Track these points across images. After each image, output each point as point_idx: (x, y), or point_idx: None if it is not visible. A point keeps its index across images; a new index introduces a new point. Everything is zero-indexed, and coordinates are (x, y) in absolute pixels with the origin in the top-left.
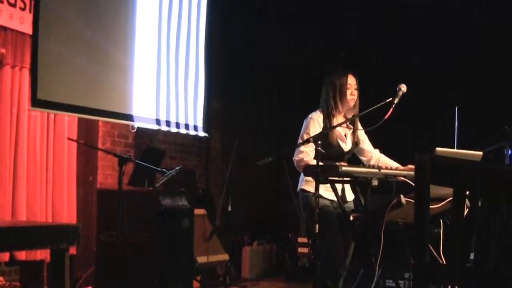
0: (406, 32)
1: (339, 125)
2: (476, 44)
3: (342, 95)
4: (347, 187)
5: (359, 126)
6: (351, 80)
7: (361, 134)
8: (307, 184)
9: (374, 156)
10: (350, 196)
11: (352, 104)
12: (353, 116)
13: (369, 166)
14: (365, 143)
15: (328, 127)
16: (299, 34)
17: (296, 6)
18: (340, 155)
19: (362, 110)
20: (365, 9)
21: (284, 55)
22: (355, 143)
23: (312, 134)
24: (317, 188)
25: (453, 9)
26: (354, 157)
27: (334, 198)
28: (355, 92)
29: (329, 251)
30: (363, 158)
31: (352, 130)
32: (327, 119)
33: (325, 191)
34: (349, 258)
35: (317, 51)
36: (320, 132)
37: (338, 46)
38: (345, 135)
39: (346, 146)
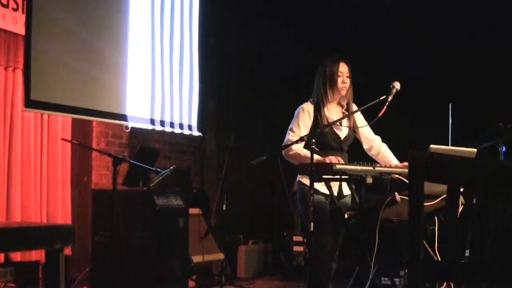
0: (400, 29)
1: (334, 123)
2: (470, 41)
3: (333, 82)
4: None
5: (359, 119)
6: (343, 68)
7: (360, 120)
8: (305, 176)
9: (376, 146)
10: (347, 190)
11: (343, 92)
12: (347, 103)
13: (363, 164)
14: (366, 129)
15: (319, 118)
16: (295, 32)
17: (293, 4)
18: (337, 143)
19: (356, 107)
20: (361, 6)
21: (280, 53)
22: (352, 129)
23: (301, 125)
24: (311, 186)
25: (447, 6)
26: (354, 149)
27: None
28: (347, 80)
29: (319, 248)
30: (364, 146)
31: (347, 118)
32: (318, 108)
33: (321, 185)
34: (338, 248)
35: (314, 50)
36: (313, 132)
37: (334, 44)
38: (340, 123)
39: (342, 133)
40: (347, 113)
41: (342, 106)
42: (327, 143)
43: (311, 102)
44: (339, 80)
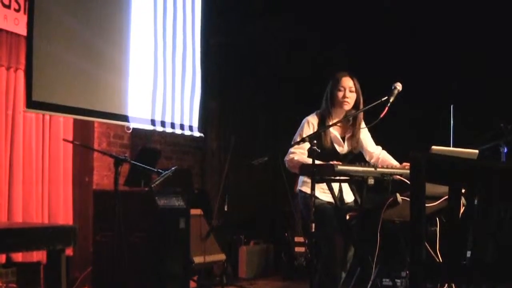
0: (401, 30)
1: (334, 124)
2: (471, 42)
3: (334, 97)
4: (346, 188)
5: (362, 125)
6: (346, 82)
7: (364, 135)
8: (305, 185)
9: (376, 154)
10: (348, 197)
11: (346, 107)
12: (349, 115)
13: (365, 165)
14: (368, 144)
15: (322, 133)
16: (297, 33)
17: (295, 5)
18: (334, 158)
19: (358, 109)
20: (362, 7)
21: (281, 54)
22: (355, 146)
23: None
24: (313, 187)
25: (448, 7)
26: (358, 158)
27: (331, 200)
28: (350, 95)
29: (328, 251)
30: (367, 158)
31: (350, 134)
32: (323, 122)
33: (322, 193)
34: (350, 259)
35: (315, 50)
36: (315, 132)
37: (335, 44)
38: (342, 139)
39: (342, 149)
40: (351, 129)
41: (348, 122)
42: (324, 157)
43: (316, 115)
44: (340, 94)
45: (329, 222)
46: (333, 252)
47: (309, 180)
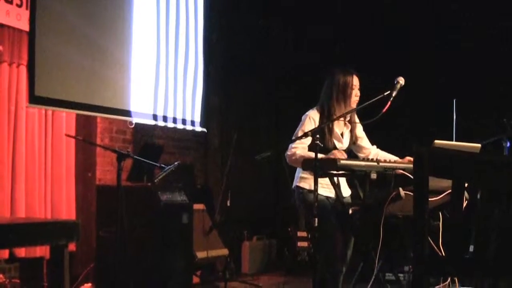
0: (404, 24)
1: (336, 119)
2: (474, 37)
3: (347, 96)
4: (342, 182)
5: (357, 120)
6: (356, 81)
7: (359, 131)
8: (302, 181)
9: (372, 152)
10: (345, 191)
11: (354, 105)
12: (351, 110)
13: (368, 160)
14: (364, 140)
15: (325, 127)
16: (299, 30)
17: (295, 3)
18: None
19: (360, 103)
20: (362, 2)
21: (283, 50)
22: (353, 141)
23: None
24: (316, 182)
25: (451, 2)
26: (351, 155)
27: (330, 195)
28: (358, 93)
29: (328, 246)
30: (361, 155)
31: (350, 128)
32: (326, 118)
33: (321, 188)
34: (350, 252)
35: (316, 47)
36: (318, 126)
37: (335, 41)
38: (342, 134)
39: (342, 145)
40: (349, 124)
41: (345, 118)
42: (326, 154)
43: (317, 110)
44: (353, 93)
45: (329, 217)
46: (334, 248)
47: (306, 176)
